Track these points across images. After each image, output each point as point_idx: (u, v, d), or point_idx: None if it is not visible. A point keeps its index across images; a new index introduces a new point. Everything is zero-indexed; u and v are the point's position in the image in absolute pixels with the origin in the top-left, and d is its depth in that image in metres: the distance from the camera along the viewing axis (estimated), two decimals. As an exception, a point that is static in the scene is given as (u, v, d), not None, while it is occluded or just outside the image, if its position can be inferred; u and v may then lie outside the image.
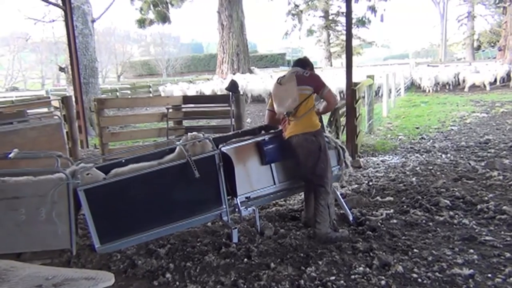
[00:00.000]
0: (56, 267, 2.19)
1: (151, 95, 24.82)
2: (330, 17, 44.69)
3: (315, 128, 4.17)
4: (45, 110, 9.38)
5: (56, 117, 6.68)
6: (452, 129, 10.41)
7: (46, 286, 1.70)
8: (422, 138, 9.55)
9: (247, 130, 5.24)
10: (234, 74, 29.97)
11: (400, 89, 19.15)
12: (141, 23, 29.12)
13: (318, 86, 4.20)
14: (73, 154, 7.70)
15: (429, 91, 20.32)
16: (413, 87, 22.82)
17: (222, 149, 4.11)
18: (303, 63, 4.50)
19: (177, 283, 3.48)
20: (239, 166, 4.15)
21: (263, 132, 4.61)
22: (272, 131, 4.50)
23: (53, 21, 12.73)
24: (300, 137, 4.13)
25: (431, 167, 6.64)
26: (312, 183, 4.26)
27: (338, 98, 4.55)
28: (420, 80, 21.63)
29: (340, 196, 4.69)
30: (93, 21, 12.71)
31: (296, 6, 41.46)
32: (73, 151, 7.82)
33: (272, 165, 4.34)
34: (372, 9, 34.00)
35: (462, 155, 7.50)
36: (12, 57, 49.21)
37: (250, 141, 4.29)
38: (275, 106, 4.38)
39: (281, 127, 4.37)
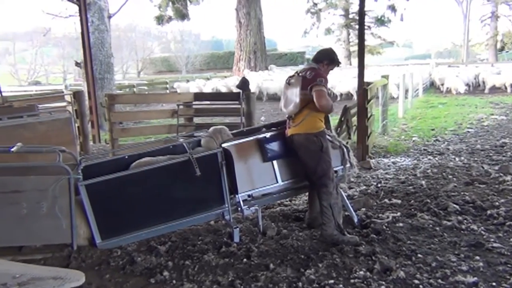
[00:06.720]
0: (28, 265, 2.17)
1: (168, 91, 24.92)
2: (351, 16, 44.24)
3: (318, 130, 4.09)
4: (63, 104, 9.44)
5: (67, 111, 6.72)
6: (469, 132, 10.21)
7: (11, 285, 1.69)
8: (436, 140, 9.37)
9: (252, 128, 5.20)
10: (252, 71, 29.97)
11: (418, 89, 18.83)
12: (160, 20, 29.25)
13: (310, 83, 3.96)
14: (84, 148, 7.77)
15: (457, 92, 19.47)
16: (432, 88, 22.46)
17: (223, 145, 4.08)
18: (319, 57, 4.26)
19: (174, 281, 3.46)
20: (239, 163, 4.12)
21: (263, 129, 4.54)
22: (274, 128, 4.46)
23: (70, 16, 12.88)
24: (302, 136, 4.07)
25: (443, 170, 6.51)
26: (314, 184, 4.20)
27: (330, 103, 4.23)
28: (439, 80, 21.25)
29: (345, 197, 4.61)
30: (109, 17, 12.81)
31: (315, 4, 41.18)
32: (84, 145, 7.89)
33: (275, 163, 4.29)
34: (392, 8, 33.53)
35: (476, 158, 7.33)
36: (35, 51, 49.99)
37: (251, 137, 4.25)
38: (281, 104, 4.34)
39: (286, 124, 4.31)
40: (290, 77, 4.27)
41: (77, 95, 8.44)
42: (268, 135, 4.30)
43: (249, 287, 3.33)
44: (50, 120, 5.86)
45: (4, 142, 4.11)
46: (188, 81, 27.56)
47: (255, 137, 4.27)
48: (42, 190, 3.64)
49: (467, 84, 20.30)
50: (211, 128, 4.51)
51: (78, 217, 3.77)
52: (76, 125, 7.72)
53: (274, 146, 4.25)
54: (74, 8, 10.99)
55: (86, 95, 9.95)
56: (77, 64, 12.46)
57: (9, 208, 3.61)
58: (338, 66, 4.40)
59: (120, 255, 3.86)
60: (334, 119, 7.70)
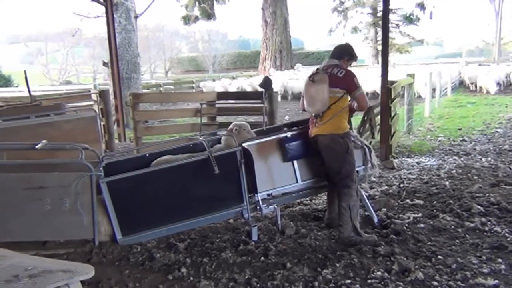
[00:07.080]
0: (41, 258, 2.25)
1: (193, 90, 25.14)
2: (379, 14, 43.53)
3: (344, 131, 4.06)
4: (90, 103, 9.64)
5: (93, 110, 6.86)
6: (497, 132, 9.93)
7: (22, 277, 1.76)
8: (463, 140, 9.15)
9: (272, 127, 5.20)
10: (278, 70, 29.94)
11: (446, 88, 18.42)
12: (187, 20, 29.51)
13: (350, 88, 4.05)
14: (109, 146, 7.93)
15: (487, 91, 18.78)
16: (461, 87, 21.95)
17: (243, 144, 4.09)
18: (340, 52, 4.25)
19: (191, 278, 3.50)
20: (259, 162, 4.11)
21: (284, 129, 4.53)
22: (295, 128, 4.44)
23: (98, 17, 13.13)
24: (327, 137, 4.03)
25: (468, 171, 6.37)
26: (336, 185, 4.16)
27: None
28: (469, 79, 20.74)
29: (365, 197, 4.57)
30: (136, 17, 13.00)
31: (342, 2, 40.81)
32: (109, 144, 8.05)
33: (295, 162, 4.27)
34: (421, 6, 32.84)
35: (503, 159, 7.14)
36: (66, 52, 51.15)
37: (272, 137, 4.24)
38: (304, 103, 4.27)
39: (309, 123, 4.28)
40: (314, 74, 4.18)
41: (102, 94, 8.61)
42: (288, 134, 4.28)
43: (265, 286, 3.35)
44: (76, 118, 5.99)
45: (31, 140, 4.23)
46: (214, 80, 27.74)
47: (275, 136, 4.25)
48: (65, 186, 3.73)
49: (498, 83, 19.71)
50: (232, 124, 4.52)
51: (100, 214, 3.85)
52: (102, 123, 7.88)
53: (294, 146, 4.21)
54: (102, 9, 11.19)
55: (112, 94, 10.14)
56: (104, 63, 12.67)
57: (33, 204, 3.72)
58: (355, 61, 4.40)
59: (139, 251, 3.94)
60: (357, 119, 7.62)
